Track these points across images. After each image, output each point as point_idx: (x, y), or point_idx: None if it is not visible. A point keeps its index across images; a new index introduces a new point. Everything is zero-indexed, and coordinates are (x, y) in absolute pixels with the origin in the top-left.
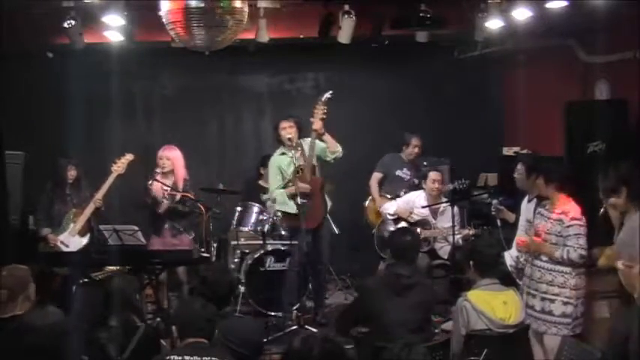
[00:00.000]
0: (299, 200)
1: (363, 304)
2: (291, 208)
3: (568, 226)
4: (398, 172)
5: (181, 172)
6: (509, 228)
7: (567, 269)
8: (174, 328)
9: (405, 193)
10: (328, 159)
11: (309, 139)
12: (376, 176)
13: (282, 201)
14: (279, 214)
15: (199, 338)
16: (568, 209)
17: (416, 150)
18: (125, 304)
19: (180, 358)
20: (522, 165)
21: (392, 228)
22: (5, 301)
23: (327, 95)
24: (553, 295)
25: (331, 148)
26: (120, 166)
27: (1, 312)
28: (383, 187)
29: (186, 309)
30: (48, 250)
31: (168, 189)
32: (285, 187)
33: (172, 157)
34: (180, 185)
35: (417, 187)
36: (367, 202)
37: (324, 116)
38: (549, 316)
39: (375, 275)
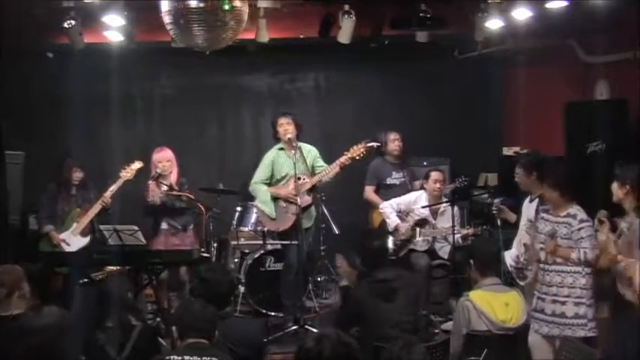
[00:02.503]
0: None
1: (353, 314)
2: (270, 209)
3: (579, 229)
4: (388, 180)
5: (176, 173)
6: (510, 228)
7: (576, 269)
8: (174, 328)
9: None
10: (317, 172)
11: (308, 145)
12: (370, 188)
13: (263, 199)
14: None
15: (199, 339)
16: (575, 212)
17: (396, 143)
18: (120, 304)
19: (179, 358)
20: (520, 167)
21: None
22: (2, 299)
23: (373, 144)
24: (564, 297)
25: (330, 174)
26: (129, 172)
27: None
28: (380, 197)
29: (186, 310)
30: (50, 249)
31: (166, 189)
32: (269, 184)
33: (171, 159)
34: (177, 185)
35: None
36: (372, 214)
37: (358, 157)
38: (562, 318)
39: (359, 286)
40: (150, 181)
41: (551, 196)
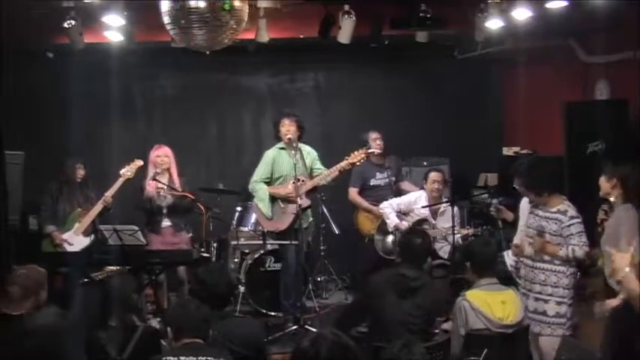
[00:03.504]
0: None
1: (366, 302)
2: (267, 208)
3: (569, 225)
4: (373, 182)
5: (175, 170)
6: (511, 228)
7: (561, 268)
8: (169, 329)
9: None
10: (314, 175)
11: (308, 147)
12: (354, 191)
13: (262, 198)
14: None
15: (194, 338)
16: (565, 208)
17: (377, 142)
18: (124, 304)
19: (175, 358)
20: (516, 178)
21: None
22: (17, 300)
23: (374, 151)
24: (547, 295)
25: (329, 177)
26: (129, 171)
27: (11, 309)
28: (366, 199)
29: (180, 310)
30: (53, 249)
31: (165, 186)
32: (269, 183)
33: (170, 155)
34: (178, 183)
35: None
36: (357, 215)
37: (358, 163)
38: (543, 316)
39: (380, 274)
40: (150, 181)
41: (531, 197)
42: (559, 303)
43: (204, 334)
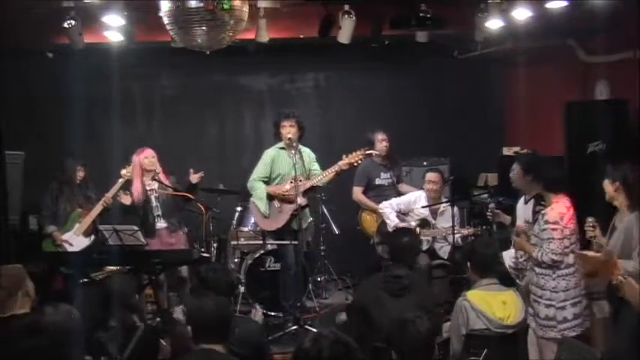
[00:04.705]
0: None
1: (360, 306)
2: (264, 206)
3: (542, 230)
4: (378, 181)
5: (161, 170)
6: (507, 229)
7: (546, 271)
8: (189, 328)
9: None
10: (313, 175)
11: (307, 149)
12: (358, 190)
13: (260, 196)
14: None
15: (213, 344)
16: (546, 211)
17: (384, 144)
18: (123, 304)
19: None
20: (518, 165)
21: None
22: (3, 300)
23: (372, 151)
24: (537, 297)
25: (325, 178)
26: (129, 172)
27: (1, 311)
28: (370, 198)
29: (198, 307)
30: (53, 249)
31: (156, 186)
32: (268, 182)
33: (155, 156)
34: (168, 182)
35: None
36: (361, 214)
37: (356, 164)
38: (536, 317)
39: (372, 277)
40: (151, 181)
41: (544, 196)
42: (547, 306)
43: (224, 337)
